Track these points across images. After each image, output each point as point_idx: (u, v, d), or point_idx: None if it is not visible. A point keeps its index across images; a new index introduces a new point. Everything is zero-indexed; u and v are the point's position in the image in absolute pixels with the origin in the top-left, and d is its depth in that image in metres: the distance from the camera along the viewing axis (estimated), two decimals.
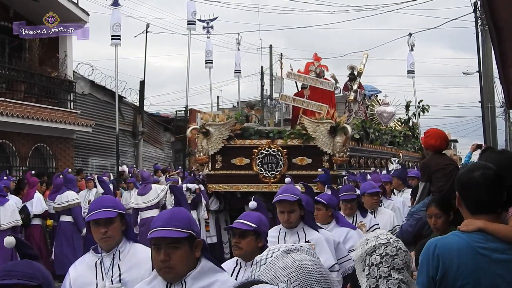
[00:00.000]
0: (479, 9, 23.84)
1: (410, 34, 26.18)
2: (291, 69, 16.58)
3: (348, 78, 18.49)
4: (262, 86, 38.23)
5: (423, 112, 23.10)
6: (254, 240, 4.42)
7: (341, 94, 19.01)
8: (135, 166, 25.80)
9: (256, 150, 11.96)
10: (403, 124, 21.59)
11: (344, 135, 11.35)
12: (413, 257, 4.68)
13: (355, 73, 18.40)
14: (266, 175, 11.85)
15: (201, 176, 14.88)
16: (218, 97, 43.60)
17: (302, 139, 11.74)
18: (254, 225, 4.40)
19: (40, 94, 21.39)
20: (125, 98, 27.95)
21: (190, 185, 13.83)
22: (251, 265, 4.23)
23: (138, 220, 14.05)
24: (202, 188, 13.42)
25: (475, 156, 7.17)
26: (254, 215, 4.53)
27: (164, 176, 19.69)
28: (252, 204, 4.74)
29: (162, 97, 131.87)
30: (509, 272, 3.13)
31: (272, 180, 11.74)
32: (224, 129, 12.08)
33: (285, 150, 11.83)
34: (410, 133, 21.04)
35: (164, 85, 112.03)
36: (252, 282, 1.86)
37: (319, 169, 10.71)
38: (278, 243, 4.57)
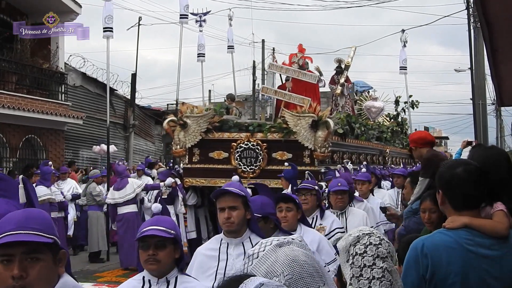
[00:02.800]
0: (472, 6, 23.87)
1: (403, 31, 26.11)
2: (275, 61, 16.20)
3: (335, 72, 18.22)
4: (254, 81, 38.17)
5: (413, 108, 22.99)
6: (172, 251, 3.75)
7: (328, 89, 18.80)
8: (123, 158, 25.75)
9: (235, 144, 11.57)
10: (391, 120, 21.37)
11: (326, 129, 10.95)
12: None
13: (342, 66, 18.08)
14: (244, 169, 11.44)
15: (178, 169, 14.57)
16: (210, 91, 43.57)
17: (282, 133, 11.34)
18: (173, 232, 3.73)
19: (32, 85, 21.31)
20: (117, 90, 27.88)
21: (167, 180, 13.57)
22: (165, 282, 3.74)
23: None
24: (179, 182, 13.18)
25: (466, 153, 7.16)
26: (169, 221, 3.86)
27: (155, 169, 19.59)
28: (156, 207, 4.05)
29: (154, 90, 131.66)
30: (495, 268, 3.14)
31: (251, 175, 11.32)
32: (202, 121, 11.67)
33: (264, 144, 11.44)
34: (399, 129, 20.86)
35: (156, 78, 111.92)
36: (246, 275, 1.86)
37: (285, 164, 10.11)
38: (218, 258, 4.31)
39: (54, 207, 13.02)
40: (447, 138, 54.54)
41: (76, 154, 24.89)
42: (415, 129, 24.15)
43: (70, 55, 25.43)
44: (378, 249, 2.63)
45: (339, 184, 7.14)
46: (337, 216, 6.96)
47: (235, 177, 5.33)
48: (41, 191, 12.80)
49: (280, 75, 15.52)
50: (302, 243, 2.18)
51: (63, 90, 22.92)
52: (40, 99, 21.00)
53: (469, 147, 7.56)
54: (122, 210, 13.19)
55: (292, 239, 2.18)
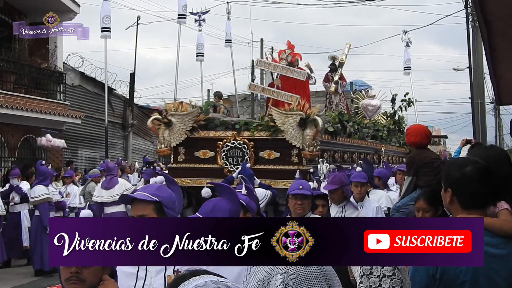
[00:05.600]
0: (470, 5, 23.88)
1: (404, 32, 26.00)
2: (266, 58, 15.83)
3: (329, 69, 17.90)
4: (253, 80, 38.20)
5: (409, 106, 22.78)
6: (101, 268, 3.08)
7: (320, 86, 18.51)
8: (121, 158, 25.78)
9: (221, 143, 11.17)
10: (388, 118, 21.17)
11: (314, 127, 10.50)
12: None
13: (337, 63, 17.75)
14: (231, 169, 10.96)
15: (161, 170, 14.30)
16: (208, 90, 43.51)
17: (269, 131, 10.92)
18: None
19: (30, 85, 21.28)
20: (115, 90, 27.86)
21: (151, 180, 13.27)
22: None
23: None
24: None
25: (465, 152, 7.20)
26: None
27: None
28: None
29: (153, 90, 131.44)
30: (503, 267, 3.15)
31: None
32: (187, 120, 11.28)
33: (251, 143, 11.01)
34: (396, 127, 20.68)
35: (155, 78, 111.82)
36: (193, 272, 1.84)
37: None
38: (137, 276, 3.69)
39: (52, 206, 13.00)
40: (446, 137, 54.46)
41: (74, 154, 24.87)
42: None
43: (69, 55, 25.47)
44: None
45: (301, 187, 6.15)
46: None
47: (205, 190, 4.26)
48: (40, 191, 12.77)
49: (271, 73, 15.15)
50: None
51: (61, 90, 22.89)
52: (39, 99, 20.97)
53: (468, 146, 7.58)
54: (109, 209, 12.85)
55: None
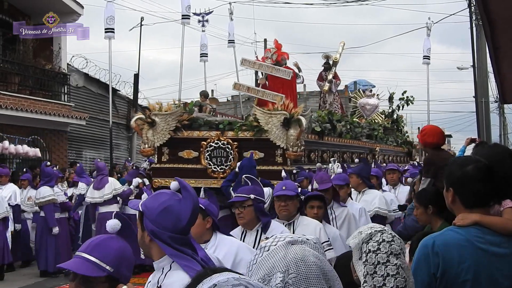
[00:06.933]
0: (474, 3, 23.86)
1: (429, 18, 25.99)
2: (256, 57, 15.66)
3: (323, 68, 17.78)
4: (256, 80, 38.21)
5: (407, 104, 22.63)
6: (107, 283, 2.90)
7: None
8: (129, 158, 25.82)
9: (205, 143, 11.03)
10: (386, 117, 20.97)
11: (298, 127, 10.34)
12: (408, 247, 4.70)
13: (330, 62, 17.67)
14: (215, 169, 10.92)
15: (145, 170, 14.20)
16: (212, 90, 43.54)
17: (253, 131, 10.77)
18: (108, 268, 2.89)
19: (34, 86, 21.32)
20: (119, 91, 27.89)
21: (134, 180, 13.06)
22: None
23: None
24: (147, 182, 12.76)
25: (469, 151, 7.19)
26: (114, 248, 2.98)
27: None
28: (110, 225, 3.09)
29: (157, 90, 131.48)
30: (505, 265, 3.14)
31: (221, 175, 10.70)
32: (171, 119, 11.17)
33: (235, 143, 10.87)
34: (395, 126, 20.51)
35: (159, 78, 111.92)
36: (214, 270, 1.84)
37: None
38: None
39: (57, 208, 13.02)
40: (450, 136, 54.48)
41: (79, 155, 24.92)
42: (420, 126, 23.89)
43: (73, 56, 25.50)
44: (391, 246, 2.63)
45: (284, 188, 5.94)
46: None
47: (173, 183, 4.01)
48: (45, 192, 12.79)
49: (261, 72, 14.95)
50: (317, 246, 2.17)
51: (65, 91, 22.94)
52: (43, 100, 21.01)
53: (473, 145, 7.57)
54: (103, 209, 12.74)
55: (307, 239, 2.18)
